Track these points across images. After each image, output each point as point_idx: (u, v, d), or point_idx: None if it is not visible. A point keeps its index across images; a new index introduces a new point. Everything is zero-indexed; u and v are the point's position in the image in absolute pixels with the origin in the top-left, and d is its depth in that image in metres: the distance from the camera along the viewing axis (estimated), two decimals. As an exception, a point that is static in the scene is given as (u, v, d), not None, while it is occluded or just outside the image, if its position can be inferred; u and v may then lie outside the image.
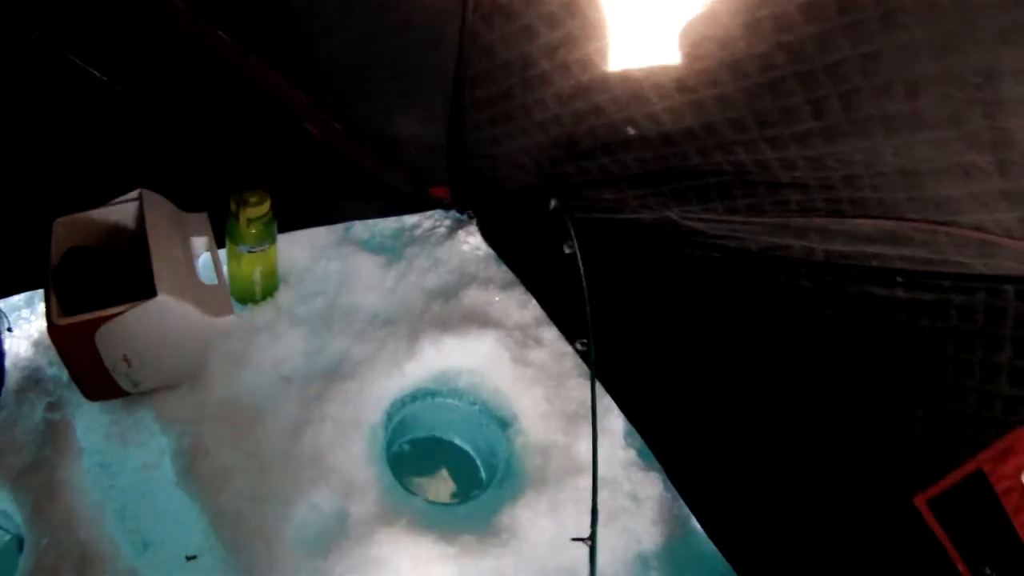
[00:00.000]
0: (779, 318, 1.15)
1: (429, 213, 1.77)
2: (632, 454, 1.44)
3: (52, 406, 1.39)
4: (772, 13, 0.87)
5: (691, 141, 1.08)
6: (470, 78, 1.27)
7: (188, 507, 1.30)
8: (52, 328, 1.22)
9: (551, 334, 1.56)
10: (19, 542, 1.34)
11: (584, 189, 1.34)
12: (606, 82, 1.09)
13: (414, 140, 1.48)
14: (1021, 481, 0.94)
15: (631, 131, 1.13)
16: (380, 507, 1.31)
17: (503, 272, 1.66)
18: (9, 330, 1.47)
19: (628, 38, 1.03)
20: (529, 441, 1.45)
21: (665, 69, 1.01)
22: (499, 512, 1.35)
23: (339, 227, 1.71)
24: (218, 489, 1.29)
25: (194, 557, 1.27)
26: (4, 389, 1.40)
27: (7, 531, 1.39)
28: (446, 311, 1.58)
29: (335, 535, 1.28)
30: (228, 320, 1.36)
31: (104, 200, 1.42)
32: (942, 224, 0.91)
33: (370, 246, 1.72)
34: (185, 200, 1.50)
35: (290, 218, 1.55)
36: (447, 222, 1.76)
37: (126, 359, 1.29)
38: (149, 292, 1.23)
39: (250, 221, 1.41)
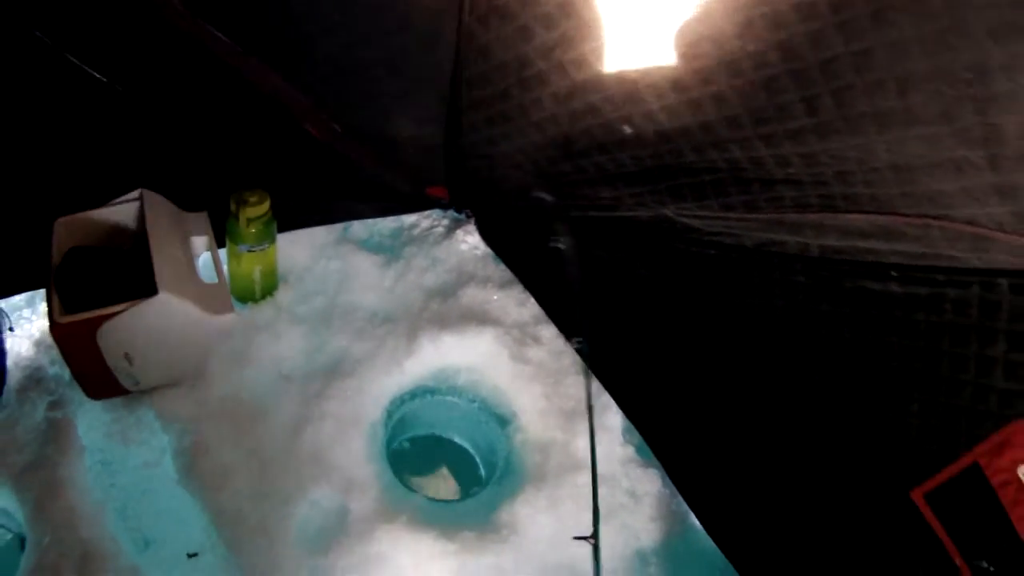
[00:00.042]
0: (775, 314, 1.16)
1: (427, 213, 1.78)
2: (630, 451, 1.44)
3: (54, 405, 1.39)
4: (766, 12, 0.88)
5: (686, 139, 1.08)
6: (467, 79, 1.28)
7: (189, 505, 1.30)
8: (54, 326, 1.22)
9: (549, 332, 1.57)
10: (21, 541, 1.35)
11: (581, 188, 1.35)
12: (602, 82, 1.10)
13: (412, 140, 1.48)
14: (1017, 474, 0.94)
15: (627, 130, 1.14)
16: (380, 504, 1.32)
17: (501, 271, 1.66)
18: (11, 329, 1.48)
19: (623, 38, 1.03)
20: (528, 438, 1.46)
21: (660, 68, 1.02)
22: (499, 509, 1.36)
23: (338, 227, 1.72)
24: (219, 487, 1.30)
25: (195, 555, 1.28)
26: (6, 388, 1.41)
27: (9, 530, 1.40)
28: (445, 309, 1.59)
29: (336, 532, 1.28)
30: (228, 319, 1.37)
31: (105, 200, 1.42)
32: (935, 218, 0.92)
33: (369, 245, 1.73)
34: (185, 200, 1.51)
35: (290, 218, 1.55)
36: (445, 222, 1.77)
37: (127, 357, 1.29)
38: (150, 290, 1.24)
39: (250, 221, 1.42)
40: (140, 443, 1.37)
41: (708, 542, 1.33)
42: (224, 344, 1.41)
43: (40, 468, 1.31)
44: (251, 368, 1.44)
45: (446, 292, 1.62)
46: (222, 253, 1.50)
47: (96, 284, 1.31)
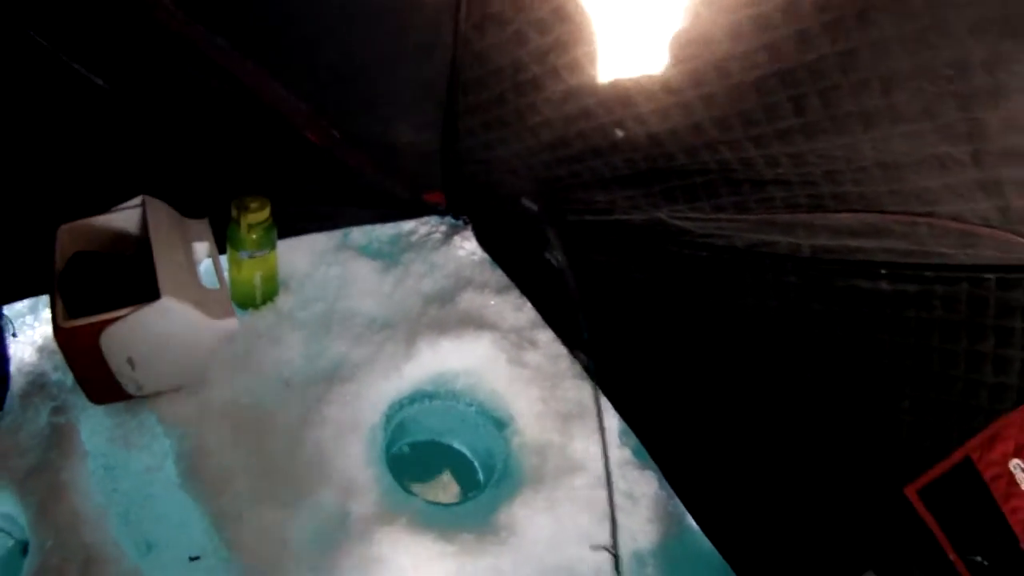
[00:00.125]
0: (768, 314, 1.17)
1: (425, 219, 1.80)
2: (627, 453, 1.45)
3: (57, 410, 1.40)
4: (753, 13, 0.90)
5: (677, 141, 1.10)
6: (463, 84, 1.30)
7: (191, 509, 1.31)
8: (58, 331, 1.24)
9: (546, 336, 1.58)
10: (23, 546, 1.36)
11: (576, 192, 1.37)
12: (595, 85, 1.12)
13: (410, 146, 1.50)
14: (1008, 468, 0.95)
15: (620, 133, 1.16)
16: (380, 507, 1.33)
17: (498, 276, 1.68)
18: (14, 335, 1.49)
19: (615, 41, 1.05)
20: (525, 441, 1.47)
21: (651, 71, 1.03)
22: (497, 511, 1.36)
23: (338, 233, 1.73)
24: (220, 490, 1.30)
25: (197, 558, 1.28)
26: (9, 394, 1.42)
27: (11, 535, 1.41)
28: (443, 315, 1.60)
29: (336, 535, 1.29)
30: (229, 324, 1.38)
31: (107, 207, 1.44)
32: (922, 215, 0.93)
33: (368, 252, 1.74)
34: (187, 206, 1.52)
35: (290, 224, 1.57)
36: (443, 228, 1.79)
37: (130, 361, 1.31)
38: (153, 295, 1.25)
39: (251, 227, 1.43)
40: (142, 447, 1.38)
41: (705, 543, 1.34)
42: (225, 349, 1.42)
43: (43, 473, 1.32)
44: (252, 373, 1.45)
45: (444, 297, 1.64)
46: (223, 259, 1.52)
47: (99, 289, 1.32)
